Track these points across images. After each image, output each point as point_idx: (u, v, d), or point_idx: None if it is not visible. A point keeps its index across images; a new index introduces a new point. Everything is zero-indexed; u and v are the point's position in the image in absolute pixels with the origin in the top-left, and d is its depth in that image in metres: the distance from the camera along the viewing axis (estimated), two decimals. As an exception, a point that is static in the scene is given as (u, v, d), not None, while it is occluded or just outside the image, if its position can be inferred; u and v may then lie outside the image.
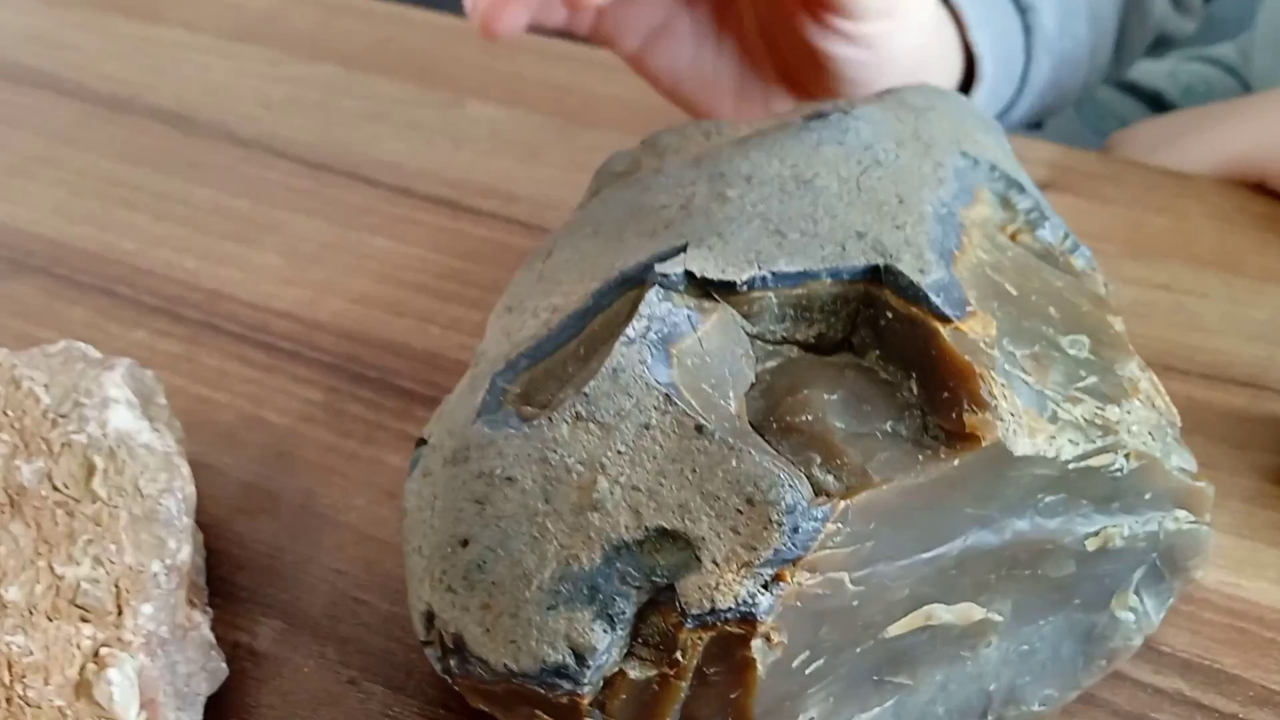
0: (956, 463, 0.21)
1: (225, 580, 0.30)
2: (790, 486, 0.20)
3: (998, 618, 0.23)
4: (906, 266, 0.23)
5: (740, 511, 0.20)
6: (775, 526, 0.19)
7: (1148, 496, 0.23)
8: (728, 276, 0.23)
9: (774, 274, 0.23)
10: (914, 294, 0.22)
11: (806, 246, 0.24)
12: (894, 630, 0.22)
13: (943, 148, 0.28)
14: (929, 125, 0.29)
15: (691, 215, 0.25)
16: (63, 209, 0.43)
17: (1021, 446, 0.21)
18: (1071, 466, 0.22)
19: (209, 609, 0.28)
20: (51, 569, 0.24)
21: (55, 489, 0.26)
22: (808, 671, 0.21)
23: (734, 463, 0.20)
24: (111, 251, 0.41)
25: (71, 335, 0.37)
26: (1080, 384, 0.23)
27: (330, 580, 0.30)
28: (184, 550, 0.25)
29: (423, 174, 0.46)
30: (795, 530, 0.19)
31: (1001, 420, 0.21)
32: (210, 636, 0.26)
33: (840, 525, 0.20)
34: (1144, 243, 0.45)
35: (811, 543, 0.19)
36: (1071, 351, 0.23)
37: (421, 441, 0.25)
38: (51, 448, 0.26)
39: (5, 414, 0.27)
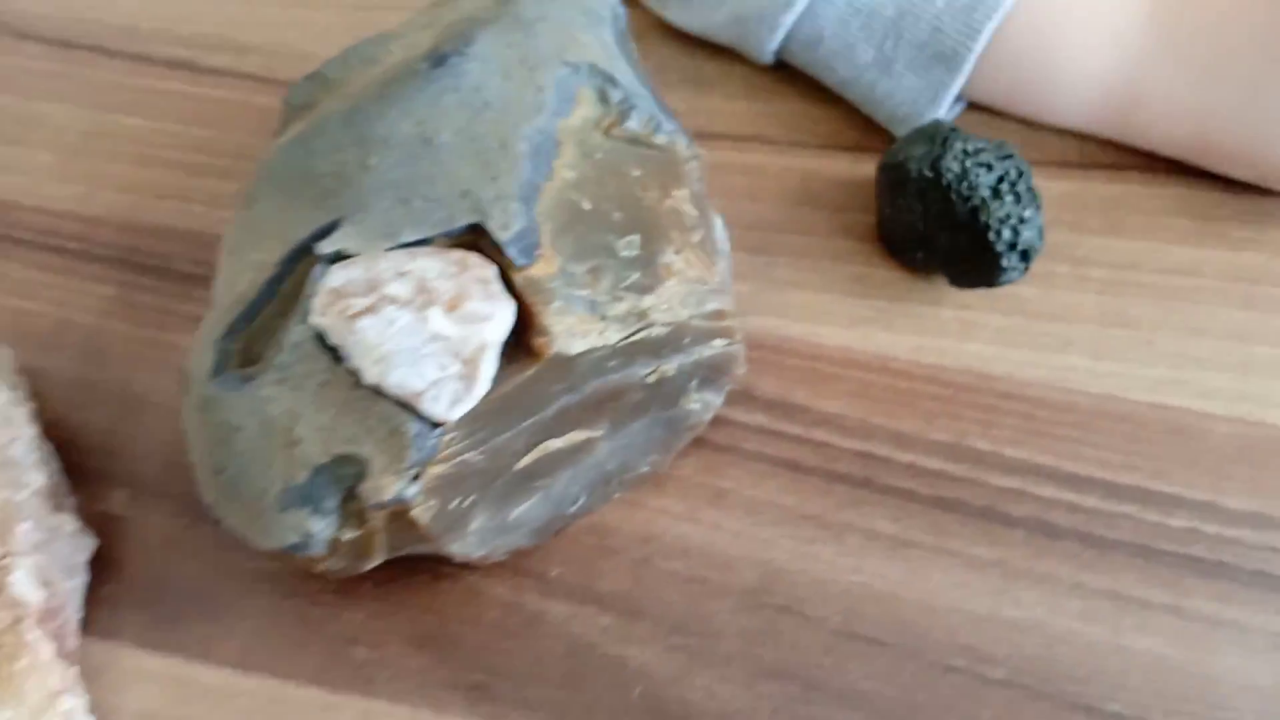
0: (531, 371, 0.31)
1: (77, 464, 0.40)
2: (414, 419, 0.30)
3: (598, 433, 0.35)
4: (494, 223, 0.32)
5: (389, 437, 0.30)
6: (410, 445, 0.30)
7: (686, 341, 0.34)
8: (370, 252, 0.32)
9: (401, 245, 0.32)
10: (498, 247, 0.32)
11: (427, 212, 0.32)
12: (522, 463, 0.34)
13: (547, 65, 0.35)
14: (536, 42, 0.36)
15: (344, 185, 0.33)
16: None
17: (576, 347, 0.31)
18: (619, 344, 0.32)
19: (71, 495, 0.38)
20: (-55, 511, 0.35)
21: (-73, 450, 0.35)
22: (465, 505, 0.33)
23: (379, 406, 0.30)
24: (-103, 171, 0.47)
25: (-110, 265, 0.45)
26: (625, 284, 0.33)
27: (158, 451, 0.40)
28: (37, 479, 0.36)
29: (157, 35, 0.50)
30: (421, 447, 0.30)
31: (558, 339, 0.31)
32: (77, 524, 0.37)
33: (454, 434, 0.30)
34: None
35: (436, 450, 0.30)
36: (624, 254, 0.33)
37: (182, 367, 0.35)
38: (-87, 420, 0.35)
39: None
